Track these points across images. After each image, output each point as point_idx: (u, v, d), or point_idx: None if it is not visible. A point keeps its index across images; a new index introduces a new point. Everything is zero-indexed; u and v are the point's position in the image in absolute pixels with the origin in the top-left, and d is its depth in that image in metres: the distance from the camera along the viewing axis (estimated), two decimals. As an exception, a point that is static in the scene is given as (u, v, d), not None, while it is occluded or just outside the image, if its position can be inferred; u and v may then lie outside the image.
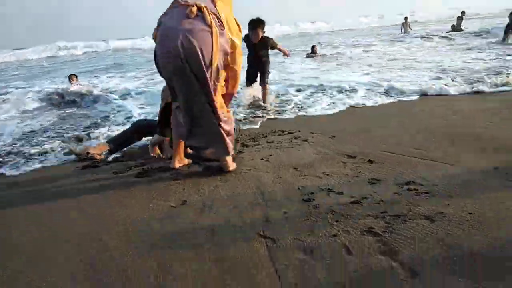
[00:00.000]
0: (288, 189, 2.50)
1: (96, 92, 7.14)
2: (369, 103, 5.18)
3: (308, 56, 11.49)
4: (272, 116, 4.82)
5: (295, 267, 1.68)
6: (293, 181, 2.63)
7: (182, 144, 3.01)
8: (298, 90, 6.31)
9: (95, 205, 2.52)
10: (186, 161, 3.13)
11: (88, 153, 3.45)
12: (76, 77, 8.61)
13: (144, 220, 2.25)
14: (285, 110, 5.11)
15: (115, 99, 6.60)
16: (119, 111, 5.86)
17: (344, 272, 1.62)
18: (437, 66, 7.75)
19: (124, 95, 7.12)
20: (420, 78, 6.57)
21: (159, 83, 7.23)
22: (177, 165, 3.04)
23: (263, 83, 5.53)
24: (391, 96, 5.43)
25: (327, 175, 2.68)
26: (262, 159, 3.13)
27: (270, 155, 3.21)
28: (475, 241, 1.74)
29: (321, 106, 5.18)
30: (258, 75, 5.59)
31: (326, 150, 3.23)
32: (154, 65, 2.72)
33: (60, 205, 2.55)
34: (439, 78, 6.36)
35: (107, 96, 6.85)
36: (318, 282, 1.57)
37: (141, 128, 3.68)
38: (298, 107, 5.26)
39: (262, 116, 4.83)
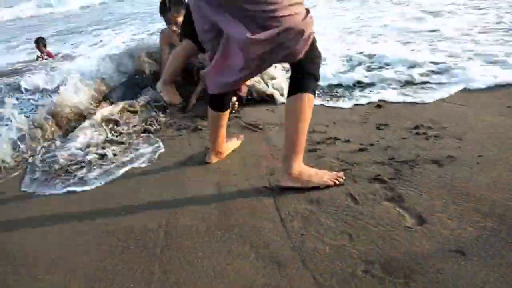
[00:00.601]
0: (294, 139, 2.45)
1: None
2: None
3: None
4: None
5: (301, 217, 1.68)
6: (299, 130, 2.57)
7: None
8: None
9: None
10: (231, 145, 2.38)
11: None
12: (45, 44, 6.73)
13: (149, 175, 2.26)
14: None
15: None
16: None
17: (350, 221, 1.61)
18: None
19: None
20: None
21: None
22: (215, 159, 2.30)
23: None
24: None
25: (334, 123, 2.62)
26: (267, 109, 3.06)
27: (276, 105, 3.13)
28: (485, 185, 1.70)
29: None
30: None
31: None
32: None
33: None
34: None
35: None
36: (324, 231, 1.58)
37: None
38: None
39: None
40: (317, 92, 1.92)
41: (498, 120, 2.30)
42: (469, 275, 1.26)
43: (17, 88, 4.28)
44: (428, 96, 2.83)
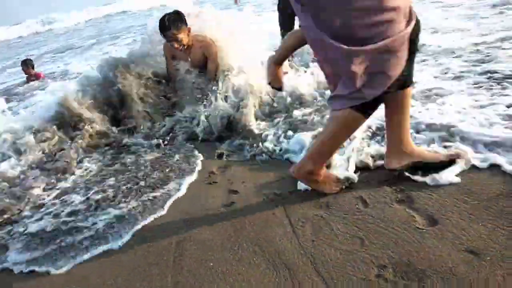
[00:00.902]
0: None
1: None
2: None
3: None
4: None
5: (311, 223, 1.68)
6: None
7: None
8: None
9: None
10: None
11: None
12: (32, 66, 6.65)
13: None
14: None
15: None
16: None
17: (360, 224, 1.60)
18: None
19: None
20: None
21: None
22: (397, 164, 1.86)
23: None
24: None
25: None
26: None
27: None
28: (497, 183, 1.67)
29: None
30: None
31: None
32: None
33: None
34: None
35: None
36: (336, 236, 1.57)
37: None
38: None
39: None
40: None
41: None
42: (482, 276, 1.24)
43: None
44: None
